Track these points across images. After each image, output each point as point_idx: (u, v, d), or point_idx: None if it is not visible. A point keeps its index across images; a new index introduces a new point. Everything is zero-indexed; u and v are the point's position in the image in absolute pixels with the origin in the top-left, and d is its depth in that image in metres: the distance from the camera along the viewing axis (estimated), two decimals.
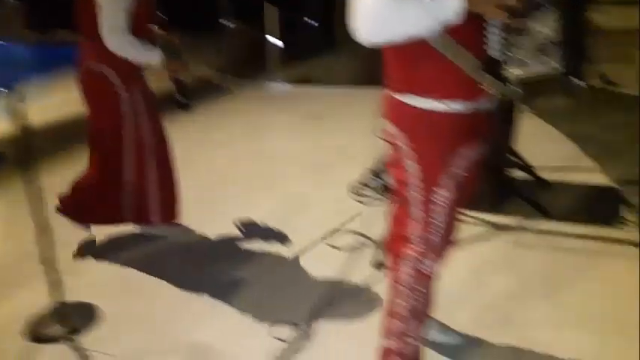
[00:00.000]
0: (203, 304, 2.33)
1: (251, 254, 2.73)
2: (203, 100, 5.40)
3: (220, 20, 7.23)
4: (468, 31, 1.33)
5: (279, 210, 3.17)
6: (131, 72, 2.47)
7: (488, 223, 2.85)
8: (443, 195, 1.51)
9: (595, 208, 3.02)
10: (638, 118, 4.06)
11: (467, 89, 1.41)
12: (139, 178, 2.60)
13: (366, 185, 3.30)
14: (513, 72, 1.44)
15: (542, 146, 3.78)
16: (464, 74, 1.37)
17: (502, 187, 2.99)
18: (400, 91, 1.46)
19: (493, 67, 1.40)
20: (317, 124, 4.84)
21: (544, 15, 1.36)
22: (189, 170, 3.23)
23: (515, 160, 3.15)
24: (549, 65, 1.40)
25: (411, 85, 1.43)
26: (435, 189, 1.50)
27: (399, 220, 1.62)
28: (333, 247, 2.71)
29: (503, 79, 1.42)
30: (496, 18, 1.30)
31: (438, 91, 1.40)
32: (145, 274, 2.55)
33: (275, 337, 2.05)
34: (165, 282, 2.48)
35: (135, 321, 2.22)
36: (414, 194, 1.52)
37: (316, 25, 7.60)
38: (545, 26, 1.39)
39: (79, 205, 2.68)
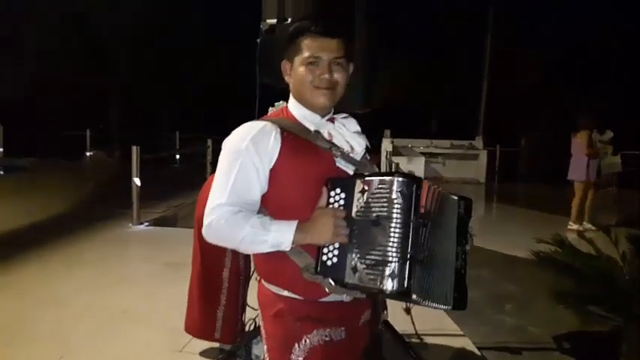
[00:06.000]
0: None
1: None
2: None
3: None
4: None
5: None
6: None
7: None
8: None
9: None
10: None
11: (306, 284, 1.49)
12: (229, 303, 2.87)
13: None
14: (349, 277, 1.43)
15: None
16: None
17: None
18: (259, 275, 1.63)
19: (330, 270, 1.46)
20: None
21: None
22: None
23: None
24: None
25: (263, 272, 1.61)
26: None
27: None
28: None
29: (341, 281, 1.45)
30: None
31: (282, 281, 1.55)
32: None
33: None
34: None
35: None
36: None
37: None
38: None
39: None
